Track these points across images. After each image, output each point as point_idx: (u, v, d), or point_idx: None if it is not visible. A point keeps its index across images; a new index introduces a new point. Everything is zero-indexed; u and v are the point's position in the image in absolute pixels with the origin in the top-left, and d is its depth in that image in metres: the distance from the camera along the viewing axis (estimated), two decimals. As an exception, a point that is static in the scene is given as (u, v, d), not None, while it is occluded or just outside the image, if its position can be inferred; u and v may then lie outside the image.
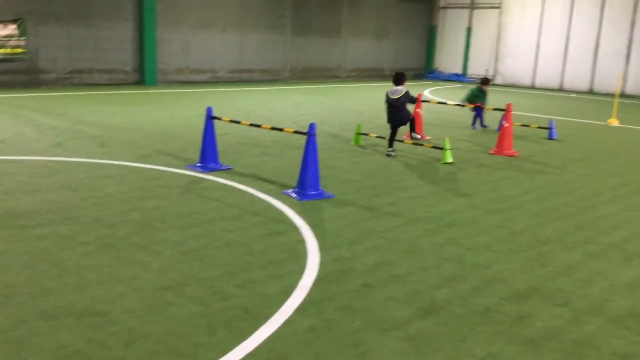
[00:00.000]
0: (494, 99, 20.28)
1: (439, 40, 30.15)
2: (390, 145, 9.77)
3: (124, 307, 3.98)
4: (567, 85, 25.87)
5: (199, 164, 8.20)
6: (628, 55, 24.18)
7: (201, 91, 19.02)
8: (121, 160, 8.46)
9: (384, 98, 9.85)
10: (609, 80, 24.57)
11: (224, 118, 8.45)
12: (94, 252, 4.95)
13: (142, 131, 10.97)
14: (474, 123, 13.47)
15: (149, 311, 3.94)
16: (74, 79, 18.70)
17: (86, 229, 5.52)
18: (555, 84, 26.20)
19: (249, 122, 8.23)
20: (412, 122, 10.03)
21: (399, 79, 9.57)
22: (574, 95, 24.12)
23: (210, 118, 8.09)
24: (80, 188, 6.90)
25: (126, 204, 6.36)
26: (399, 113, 9.52)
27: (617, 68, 24.18)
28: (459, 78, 28.90)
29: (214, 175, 7.79)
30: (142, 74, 19.94)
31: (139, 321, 3.79)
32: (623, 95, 23.79)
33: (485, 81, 13.53)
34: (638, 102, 21.80)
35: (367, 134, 10.83)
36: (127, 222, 5.76)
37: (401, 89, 9.53)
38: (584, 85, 25.41)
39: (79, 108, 13.73)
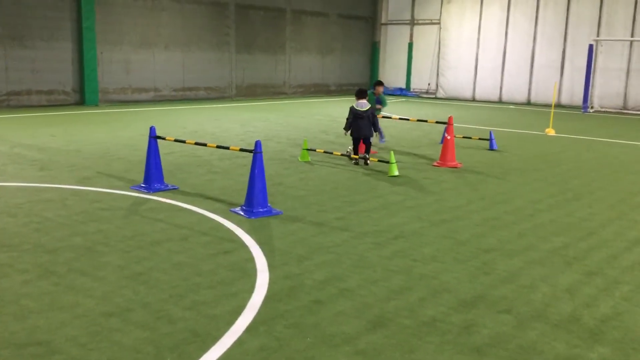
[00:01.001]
0: (436, 112, 20.76)
1: (382, 56, 30.69)
2: (356, 153, 10.35)
3: (67, 336, 3.85)
4: (506, 97, 26.74)
5: (143, 185, 8.06)
6: (562, 68, 25.22)
7: (145, 110, 18.73)
8: (62, 184, 8.22)
9: (348, 113, 10.40)
10: (544, 91, 25.54)
11: (168, 137, 8.34)
12: (34, 280, 4.77)
13: (83, 153, 10.70)
14: (381, 136, 12.49)
15: (93, 338, 3.82)
16: (10, 101, 18.10)
17: (26, 255, 5.32)
18: (494, 96, 27.04)
19: (194, 141, 8.14)
20: (369, 145, 10.51)
21: (362, 94, 10.37)
22: (512, 106, 24.94)
23: (153, 137, 7.97)
24: (19, 214, 6.66)
25: (67, 228, 6.17)
26: (369, 123, 10.20)
27: (552, 80, 25.17)
28: (402, 92, 29.46)
29: (160, 196, 7.66)
30: (82, 94, 19.49)
31: (83, 349, 3.68)
32: (558, 105, 24.76)
33: (378, 83, 12.37)
34: (572, 112, 22.73)
35: (314, 150, 10.88)
36: (68, 247, 5.59)
37: (366, 103, 10.27)
38: (521, 97, 26.32)
39: (16, 131, 13.28)
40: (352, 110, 10.15)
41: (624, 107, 23.72)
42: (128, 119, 16.23)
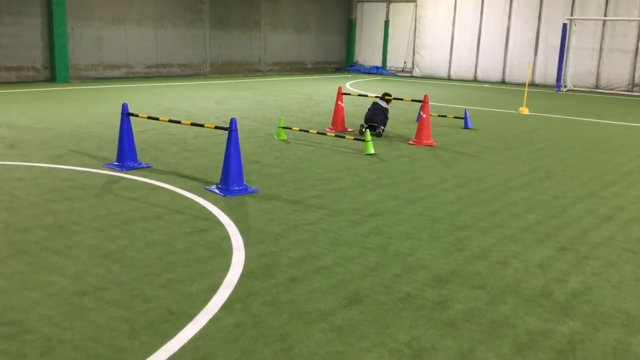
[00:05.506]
0: (412, 91, 20.75)
1: (358, 34, 30.54)
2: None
3: (40, 315, 3.80)
4: (481, 76, 26.87)
5: (116, 163, 7.94)
6: (536, 47, 25.39)
7: (117, 87, 18.40)
8: (33, 162, 8.06)
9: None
10: (519, 70, 25.72)
11: (141, 114, 8.21)
12: (6, 259, 4.69)
13: (54, 130, 10.50)
14: None
15: (66, 317, 3.78)
16: (-22, 77, 17.64)
17: (-5, 235, 5.23)
18: (469, 75, 27.16)
19: (167, 119, 8.04)
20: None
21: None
22: (487, 85, 25.09)
23: (126, 114, 7.85)
24: (-12, 192, 6.52)
25: (39, 207, 6.07)
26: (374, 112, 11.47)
27: (526, 59, 25.34)
28: (379, 71, 29.41)
29: (133, 174, 7.57)
30: (53, 71, 19.06)
31: (56, 328, 3.64)
32: (532, 84, 24.99)
33: None
34: (546, 91, 22.96)
35: (290, 128, 10.83)
36: (40, 226, 5.50)
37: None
38: (496, 75, 26.48)
39: (-16, 108, 12.96)
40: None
41: (597, 86, 24.03)
42: (100, 96, 15.94)
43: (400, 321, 3.91)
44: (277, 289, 4.34)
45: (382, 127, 11.26)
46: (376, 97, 11.73)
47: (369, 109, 11.53)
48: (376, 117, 11.28)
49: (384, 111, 11.39)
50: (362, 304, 4.14)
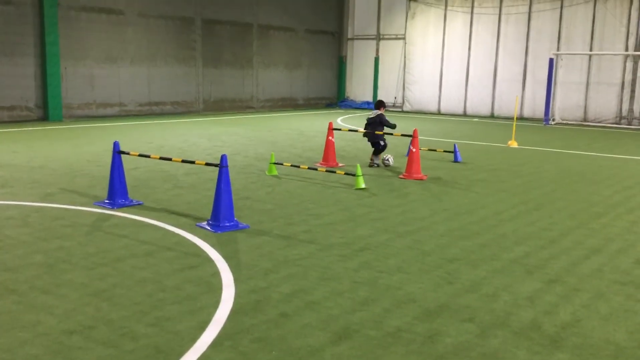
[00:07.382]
0: (402, 125, 20.96)
1: (349, 70, 30.96)
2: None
3: (27, 354, 3.78)
4: (470, 110, 27.19)
5: (107, 201, 7.96)
6: (524, 81, 25.79)
7: (110, 125, 18.50)
8: (23, 201, 8.07)
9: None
10: (507, 104, 26.07)
11: (132, 152, 8.26)
12: (-7, 299, 4.67)
13: (46, 169, 10.52)
14: None
15: (54, 357, 3.75)
16: (-30, 117, 17.70)
17: (-16, 274, 5.20)
18: (459, 109, 27.48)
19: (158, 156, 8.09)
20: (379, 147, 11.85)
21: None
22: (476, 119, 25.38)
23: (117, 152, 7.89)
24: (-22, 232, 6.51)
25: (29, 246, 6.06)
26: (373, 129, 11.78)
27: (514, 93, 25.71)
28: (369, 106, 29.69)
29: (124, 212, 7.58)
30: (45, 110, 19.16)
31: (43, 369, 3.61)
32: (521, 118, 25.29)
33: None
34: (534, 124, 23.24)
35: (281, 164, 10.90)
36: (29, 264, 5.49)
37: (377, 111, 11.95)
38: (485, 110, 26.80)
39: (-24, 147, 12.98)
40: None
41: (585, 119, 24.34)
42: (93, 135, 16.02)
43: (390, 356, 3.91)
44: (266, 325, 4.33)
45: (382, 142, 11.74)
46: (366, 125, 12.03)
47: (365, 127, 11.91)
48: (374, 130, 11.71)
49: (381, 119, 11.77)
50: (352, 339, 4.13)
